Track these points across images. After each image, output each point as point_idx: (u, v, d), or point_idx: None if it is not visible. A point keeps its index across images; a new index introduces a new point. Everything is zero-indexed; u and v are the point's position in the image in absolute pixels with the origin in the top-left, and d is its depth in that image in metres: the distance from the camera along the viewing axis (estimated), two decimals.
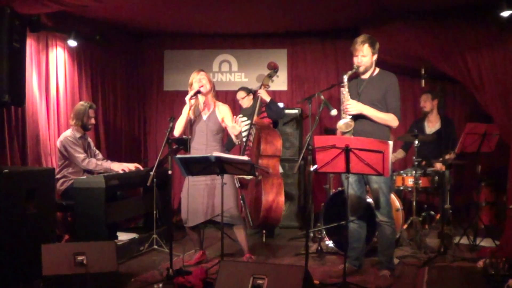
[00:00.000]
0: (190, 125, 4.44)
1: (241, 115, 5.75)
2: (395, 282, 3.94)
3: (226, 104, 4.59)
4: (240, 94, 5.80)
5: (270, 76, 5.42)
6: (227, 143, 5.39)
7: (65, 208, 4.78)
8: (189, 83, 4.42)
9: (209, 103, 4.46)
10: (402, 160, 6.09)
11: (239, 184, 5.75)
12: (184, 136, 5.06)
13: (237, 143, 4.72)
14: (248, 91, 5.77)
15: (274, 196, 5.06)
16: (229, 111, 4.47)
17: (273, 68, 5.45)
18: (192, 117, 4.42)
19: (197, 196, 4.30)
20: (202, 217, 4.33)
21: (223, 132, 4.47)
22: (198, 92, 4.32)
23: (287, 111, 6.15)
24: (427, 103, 5.75)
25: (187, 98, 4.31)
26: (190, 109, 4.35)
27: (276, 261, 4.65)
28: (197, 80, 4.36)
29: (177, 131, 4.41)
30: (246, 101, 5.74)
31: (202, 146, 4.36)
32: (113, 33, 6.33)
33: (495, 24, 4.67)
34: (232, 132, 4.30)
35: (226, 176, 4.21)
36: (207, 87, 4.37)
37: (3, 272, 3.64)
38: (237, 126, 4.24)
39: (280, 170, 5.34)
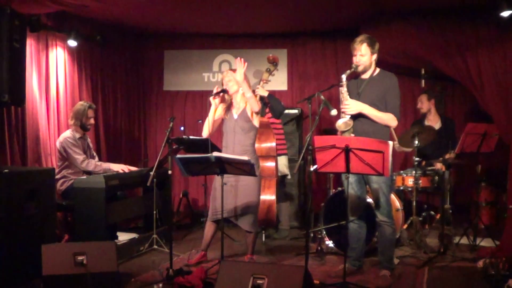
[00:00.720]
0: (223, 124, 4.43)
1: None
2: (395, 282, 3.94)
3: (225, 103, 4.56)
4: None
5: (269, 71, 5.21)
6: None
7: (65, 208, 4.78)
8: (220, 83, 4.44)
9: (239, 102, 4.41)
10: (403, 160, 6.09)
11: None
12: (184, 136, 5.07)
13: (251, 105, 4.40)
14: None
15: (265, 197, 5.04)
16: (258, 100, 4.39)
17: (273, 62, 5.21)
18: (224, 116, 4.41)
19: (225, 193, 4.26)
20: (223, 214, 4.30)
21: (255, 130, 4.40)
22: (222, 91, 4.31)
23: (287, 111, 6.14)
24: (424, 104, 5.72)
25: (210, 97, 4.30)
26: (215, 109, 4.34)
27: (276, 261, 4.65)
28: (225, 82, 4.36)
29: (204, 132, 4.39)
30: None
31: (233, 145, 4.34)
32: (113, 33, 6.33)
33: (495, 24, 4.68)
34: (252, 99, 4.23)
35: (254, 181, 4.26)
36: (233, 88, 4.35)
37: (3, 272, 3.63)
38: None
39: (286, 171, 5.31)
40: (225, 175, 3.98)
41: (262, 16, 5.93)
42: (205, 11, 5.65)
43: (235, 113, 4.41)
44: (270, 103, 5.31)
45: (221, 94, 4.34)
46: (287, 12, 5.74)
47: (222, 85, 4.41)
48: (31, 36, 4.95)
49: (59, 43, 5.49)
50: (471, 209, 5.91)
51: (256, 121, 4.37)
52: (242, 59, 4.22)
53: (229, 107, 4.45)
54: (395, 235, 4.22)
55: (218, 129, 4.54)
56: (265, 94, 5.22)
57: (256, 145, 4.91)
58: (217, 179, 4.26)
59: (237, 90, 4.37)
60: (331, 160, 3.53)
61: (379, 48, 4.05)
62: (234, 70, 4.35)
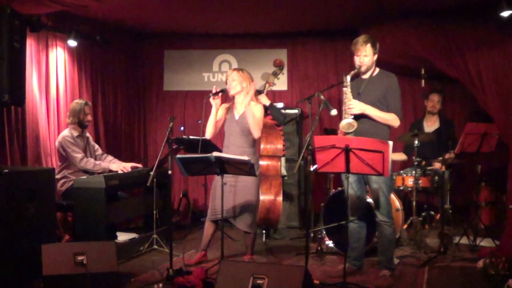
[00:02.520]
0: (222, 125, 4.43)
1: None
2: (395, 282, 3.94)
3: (226, 103, 4.55)
4: None
5: (275, 74, 5.42)
6: None
7: (65, 208, 4.78)
8: (225, 82, 4.44)
9: (241, 103, 4.38)
10: (404, 161, 6.08)
11: None
12: (184, 136, 5.07)
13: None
14: (257, 92, 5.74)
15: (272, 197, 5.06)
16: (260, 111, 4.38)
17: (279, 66, 5.45)
18: (226, 116, 4.40)
19: (224, 193, 4.25)
20: (224, 214, 4.30)
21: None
22: (222, 91, 4.30)
23: (287, 111, 6.15)
24: (439, 104, 5.66)
25: (209, 98, 4.29)
26: (217, 109, 4.33)
27: (276, 261, 4.65)
28: (229, 82, 4.35)
29: (207, 133, 4.37)
30: None
31: (236, 148, 4.33)
32: (113, 33, 6.33)
33: (495, 24, 4.67)
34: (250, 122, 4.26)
35: (253, 181, 4.26)
36: (237, 88, 4.34)
37: (3, 272, 3.63)
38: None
39: (284, 172, 5.33)
40: (225, 175, 3.98)
41: (262, 16, 5.93)
42: (205, 11, 5.65)
43: (236, 114, 4.40)
44: (272, 113, 5.38)
45: (220, 94, 4.33)
46: (287, 12, 5.74)
47: (226, 84, 4.40)
48: (31, 36, 4.94)
49: (59, 43, 5.49)
50: (471, 209, 5.91)
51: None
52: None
53: (231, 107, 4.44)
54: (395, 235, 4.22)
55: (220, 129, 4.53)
56: (267, 103, 5.32)
57: (263, 145, 4.93)
58: (217, 179, 4.26)
59: (239, 91, 4.35)
60: (331, 160, 3.53)
61: (379, 48, 4.05)
62: (238, 70, 4.37)
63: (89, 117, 5.12)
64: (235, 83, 4.34)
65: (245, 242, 4.50)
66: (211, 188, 4.46)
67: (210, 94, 4.28)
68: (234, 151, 4.26)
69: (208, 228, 4.47)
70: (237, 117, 4.39)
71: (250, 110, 4.29)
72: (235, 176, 4.23)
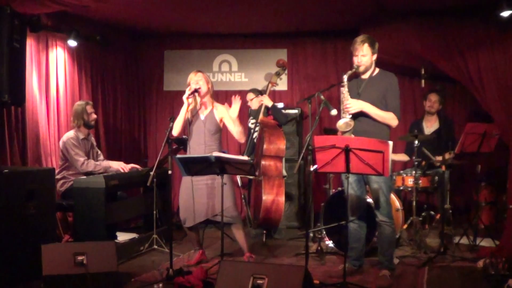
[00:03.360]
0: (188, 125, 4.44)
1: (251, 117, 5.78)
2: (395, 282, 3.94)
3: (224, 104, 4.58)
4: (250, 96, 5.79)
5: (278, 74, 5.46)
6: (248, 148, 5.42)
7: (65, 208, 4.78)
8: (187, 83, 4.44)
9: (206, 104, 4.47)
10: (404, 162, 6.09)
11: (241, 184, 5.77)
12: (184, 136, 5.07)
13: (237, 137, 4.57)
14: (258, 92, 5.76)
15: (274, 197, 5.06)
16: (226, 110, 4.47)
17: (282, 66, 5.48)
18: (190, 117, 4.42)
19: (197, 196, 4.31)
20: (202, 217, 4.34)
21: (220, 132, 4.48)
22: (196, 91, 4.33)
23: (287, 111, 6.15)
24: (436, 104, 5.67)
25: (184, 97, 4.31)
26: (187, 109, 4.36)
27: (276, 261, 4.65)
28: (194, 82, 4.37)
29: (175, 131, 4.41)
30: (255, 103, 5.71)
31: (201, 146, 4.37)
32: (113, 33, 6.33)
33: (495, 24, 4.67)
34: (233, 130, 4.34)
35: (224, 176, 4.22)
36: (204, 88, 4.38)
37: (3, 272, 3.64)
38: (234, 111, 4.35)
39: (284, 173, 5.33)
40: (197, 177, 4.01)
41: (262, 16, 5.93)
42: (205, 11, 5.65)
43: (201, 114, 4.45)
44: (273, 115, 5.40)
45: (195, 93, 4.36)
46: (287, 12, 5.74)
47: (189, 84, 4.40)
48: (31, 36, 4.95)
49: (59, 43, 5.49)
50: (471, 209, 5.91)
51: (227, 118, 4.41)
52: (239, 96, 4.43)
53: (194, 108, 4.46)
54: (395, 235, 4.22)
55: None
56: (269, 104, 5.38)
57: (265, 145, 4.94)
58: (185, 180, 4.30)
59: (206, 91, 4.39)
60: (331, 160, 3.53)
61: (379, 48, 4.05)
62: (202, 72, 4.43)
63: (94, 116, 5.11)
64: (202, 82, 4.38)
65: (238, 239, 4.49)
66: (178, 192, 4.45)
67: (187, 95, 4.30)
68: (201, 150, 4.31)
69: (190, 234, 4.50)
70: (202, 117, 4.43)
71: (220, 112, 4.41)
72: (212, 177, 4.24)
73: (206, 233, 4.97)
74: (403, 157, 5.73)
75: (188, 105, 4.35)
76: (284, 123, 5.57)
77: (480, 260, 4.22)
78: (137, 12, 5.73)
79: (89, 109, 5.05)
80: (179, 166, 3.87)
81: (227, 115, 4.42)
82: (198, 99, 4.44)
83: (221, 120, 4.42)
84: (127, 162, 5.26)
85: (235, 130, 4.36)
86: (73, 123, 5.02)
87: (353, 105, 3.90)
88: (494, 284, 3.76)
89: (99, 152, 5.29)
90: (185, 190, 4.36)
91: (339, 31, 6.57)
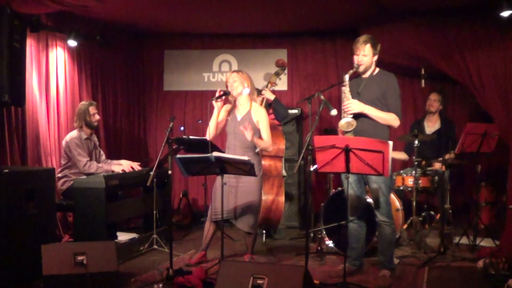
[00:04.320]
0: (226, 125, 4.44)
1: None
2: (395, 282, 3.94)
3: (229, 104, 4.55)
4: None
5: (277, 74, 5.45)
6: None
7: (65, 208, 4.78)
8: (225, 84, 4.43)
9: (244, 104, 4.42)
10: (405, 161, 6.08)
11: None
12: (184, 136, 5.07)
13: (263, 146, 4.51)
14: (257, 92, 5.76)
15: (274, 197, 5.07)
16: (265, 115, 4.40)
17: (281, 66, 5.47)
18: (226, 117, 4.41)
19: (225, 194, 4.23)
20: (223, 215, 4.29)
21: (258, 133, 4.37)
22: (224, 94, 4.31)
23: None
24: (436, 103, 5.66)
25: (212, 101, 4.29)
26: (218, 111, 4.34)
27: (276, 261, 4.65)
28: (230, 84, 4.35)
29: (210, 134, 4.39)
30: None
31: (233, 147, 4.35)
32: (113, 33, 6.33)
33: (495, 24, 4.67)
34: (258, 143, 4.28)
35: (255, 183, 4.26)
36: (238, 89, 4.34)
37: (3, 272, 3.63)
38: (263, 143, 4.27)
39: (284, 173, 5.34)
40: (226, 175, 3.98)
41: (262, 16, 5.93)
42: (205, 11, 5.65)
43: (238, 114, 4.42)
44: (276, 107, 5.40)
45: (223, 97, 4.34)
46: (287, 12, 5.74)
47: (227, 86, 4.40)
48: (31, 36, 4.95)
49: (59, 43, 5.49)
50: (471, 209, 5.91)
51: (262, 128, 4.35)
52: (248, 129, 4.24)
53: (232, 108, 4.45)
54: (395, 235, 4.22)
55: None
56: (272, 97, 5.38)
57: None
58: (218, 180, 4.26)
59: (241, 92, 4.36)
60: (331, 160, 3.53)
61: (379, 48, 4.05)
62: (238, 72, 4.39)
63: (97, 117, 5.10)
64: (237, 83, 4.34)
65: (246, 242, 4.50)
66: (212, 188, 4.45)
67: (213, 98, 4.29)
68: (237, 152, 4.27)
69: (209, 228, 4.47)
70: (239, 118, 4.40)
71: (257, 114, 4.35)
72: (237, 177, 4.24)
73: None
74: (402, 155, 5.73)
75: (219, 108, 4.33)
76: (286, 116, 5.57)
77: (480, 260, 4.22)
78: (137, 12, 5.73)
79: (92, 110, 5.04)
80: (179, 166, 3.87)
81: (264, 120, 4.35)
82: (238, 99, 4.39)
83: (258, 122, 4.36)
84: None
85: (266, 140, 4.30)
86: (76, 123, 5.02)
87: (354, 105, 3.90)
88: (494, 284, 3.76)
89: (102, 152, 5.29)
90: (218, 187, 4.30)
91: (339, 31, 6.58)
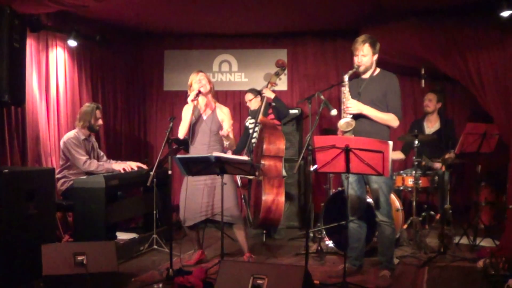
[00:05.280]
0: (191, 125, 4.45)
1: (249, 117, 5.77)
2: (395, 282, 3.94)
3: (226, 104, 4.60)
4: (248, 96, 5.79)
5: (277, 74, 5.46)
6: (248, 147, 5.42)
7: (65, 208, 4.78)
8: (188, 84, 4.45)
9: (209, 103, 4.49)
10: (402, 161, 6.08)
11: (240, 184, 5.77)
12: (186, 136, 5.07)
13: (225, 146, 4.64)
14: (256, 92, 5.76)
15: (274, 197, 5.05)
16: (229, 114, 4.52)
17: (281, 66, 5.48)
18: (193, 117, 4.43)
19: (197, 195, 4.32)
20: (202, 216, 4.35)
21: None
22: (200, 92, 4.34)
23: None
24: (432, 103, 5.67)
25: (189, 99, 4.31)
26: (193, 111, 4.36)
27: (276, 261, 4.65)
28: (197, 81, 4.38)
29: (181, 133, 4.43)
30: (254, 103, 5.72)
31: (204, 146, 4.38)
32: (113, 33, 6.33)
33: (495, 24, 4.67)
34: (224, 140, 4.35)
35: (225, 175, 4.22)
36: (207, 87, 4.41)
37: (3, 272, 3.63)
38: (230, 138, 4.33)
39: (284, 173, 5.34)
40: (198, 176, 4.02)
41: (262, 16, 5.93)
42: (205, 11, 5.65)
43: (204, 114, 4.46)
44: (276, 105, 5.41)
45: (199, 95, 4.38)
46: (287, 12, 5.74)
47: (190, 85, 4.43)
48: (31, 36, 4.95)
49: (59, 43, 5.49)
50: (471, 209, 5.91)
51: (226, 125, 4.39)
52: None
53: (196, 108, 4.47)
54: (395, 235, 4.22)
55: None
56: (272, 96, 5.38)
57: (265, 145, 4.94)
58: (188, 180, 4.30)
59: (209, 91, 4.41)
60: (331, 160, 3.53)
61: (379, 48, 4.05)
62: (203, 72, 4.45)
63: (100, 122, 5.09)
64: (205, 81, 4.40)
65: (238, 239, 4.50)
66: (180, 192, 4.46)
67: (193, 96, 4.31)
68: (202, 150, 4.33)
69: (190, 233, 4.50)
70: (205, 117, 4.45)
71: (222, 113, 4.46)
72: (212, 177, 4.25)
73: (206, 233, 4.95)
74: (399, 155, 5.73)
75: (194, 106, 4.35)
76: (287, 114, 5.59)
77: (480, 260, 4.22)
78: (137, 12, 5.73)
79: (98, 114, 5.04)
80: (179, 166, 3.88)
81: (228, 118, 4.46)
82: (203, 99, 4.45)
83: (223, 120, 4.44)
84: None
85: (229, 140, 4.36)
86: (78, 123, 4.99)
87: (354, 106, 3.90)
88: (494, 284, 3.76)
89: (102, 153, 5.28)
90: (185, 190, 4.36)
91: (339, 31, 6.57)
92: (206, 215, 4.35)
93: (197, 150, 4.40)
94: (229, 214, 4.29)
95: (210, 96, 4.47)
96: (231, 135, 4.33)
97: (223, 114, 4.48)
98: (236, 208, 4.38)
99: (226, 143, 4.39)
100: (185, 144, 5.16)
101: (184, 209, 4.37)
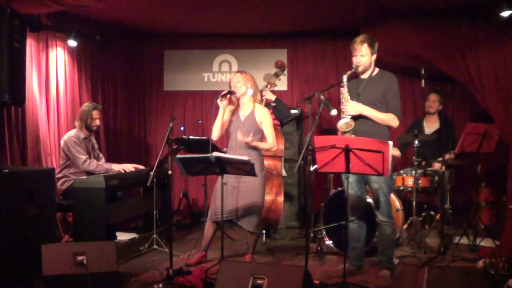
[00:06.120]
0: (229, 125, 4.45)
1: None
2: (395, 282, 3.94)
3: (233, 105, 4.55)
4: None
5: (276, 75, 5.46)
6: None
7: (65, 208, 4.78)
8: (229, 85, 4.45)
9: (247, 104, 4.43)
10: (401, 160, 6.08)
11: None
12: (184, 136, 5.07)
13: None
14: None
15: (273, 197, 5.07)
16: (268, 115, 4.43)
17: (281, 67, 5.48)
18: (230, 117, 4.42)
19: (225, 194, 4.23)
20: (229, 216, 4.33)
21: (261, 133, 4.40)
22: (229, 93, 4.32)
23: None
24: (435, 104, 5.65)
25: (217, 100, 4.30)
26: (224, 111, 4.35)
27: (276, 261, 4.65)
28: (233, 84, 4.37)
29: (214, 135, 4.40)
30: None
31: (236, 147, 4.37)
32: (113, 33, 6.33)
33: (494, 24, 4.67)
34: (259, 146, 4.33)
35: (258, 182, 4.25)
36: (241, 90, 4.36)
37: (3, 272, 3.63)
38: (266, 145, 4.32)
39: (284, 173, 5.34)
40: (226, 176, 3.98)
41: (262, 16, 5.93)
42: (205, 11, 5.65)
43: (241, 115, 4.43)
44: (278, 107, 5.42)
45: (228, 96, 4.35)
46: (287, 12, 5.74)
47: (230, 86, 4.41)
48: (31, 36, 4.95)
49: (59, 43, 5.49)
50: (471, 209, 5.91)
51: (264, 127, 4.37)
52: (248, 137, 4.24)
53: (236, 108, 4.46)
54: (395, 235, 4.23)
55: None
56: (273, 98, 5.40)
57: None
58: (220, 179, 4.26)
59: (244, 92, 4.38)
60: (331, 160, 3.53)
61: (379, 48, 4.05)
62: (241, 72, 4.41)
63: (97, 122, 5.08)
64: (240, 84, 4.36)
65: (248, 241, 4.50)
66: (213, 188, 4.46)
67: (219, 96, 4.30)
68: (239, 152, 4.28)
69: (209, 228, 4.47)
70: (242, 118, 4.41)
71: (260, 115, 4.36)
72: (238, 177, 4.24)
73: None
74: (395, 151, 5.68)
75: (224, 107, 4.34)
76: (288, 115, 5.60)
77: (480, 260, 4.22)
78: (137, 12, 5.73)
79: (95, 114, 5.02)
80: (179, 166, 3.87)
81: (267, 120, 4.38)
82: (245, 99, 4.41)
83: (261, 123, 4.38)
84: (127, 162, 5.25)
85: (270, 142, 4.34)
86: (76, 122, 5.01)
87: (352, 107, 3.91)
88: (494, 284, 3.76)
89: (101, 155, 5.28)
90: (219, 187, 4.33)
91: (339, 31, 6.58)
92: (229, 216, 4.33)
93: (230, 149, 4.39)
94: (249, 222, 4.31)
95: (248, 97, 4.40)
96: (258, 144, 4.29)
97: (261, 115, 4.38)
98: (258, 217, 4.36)
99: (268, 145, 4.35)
100: (184, 144, 5.16)
101: (213, 205, 4.36)
